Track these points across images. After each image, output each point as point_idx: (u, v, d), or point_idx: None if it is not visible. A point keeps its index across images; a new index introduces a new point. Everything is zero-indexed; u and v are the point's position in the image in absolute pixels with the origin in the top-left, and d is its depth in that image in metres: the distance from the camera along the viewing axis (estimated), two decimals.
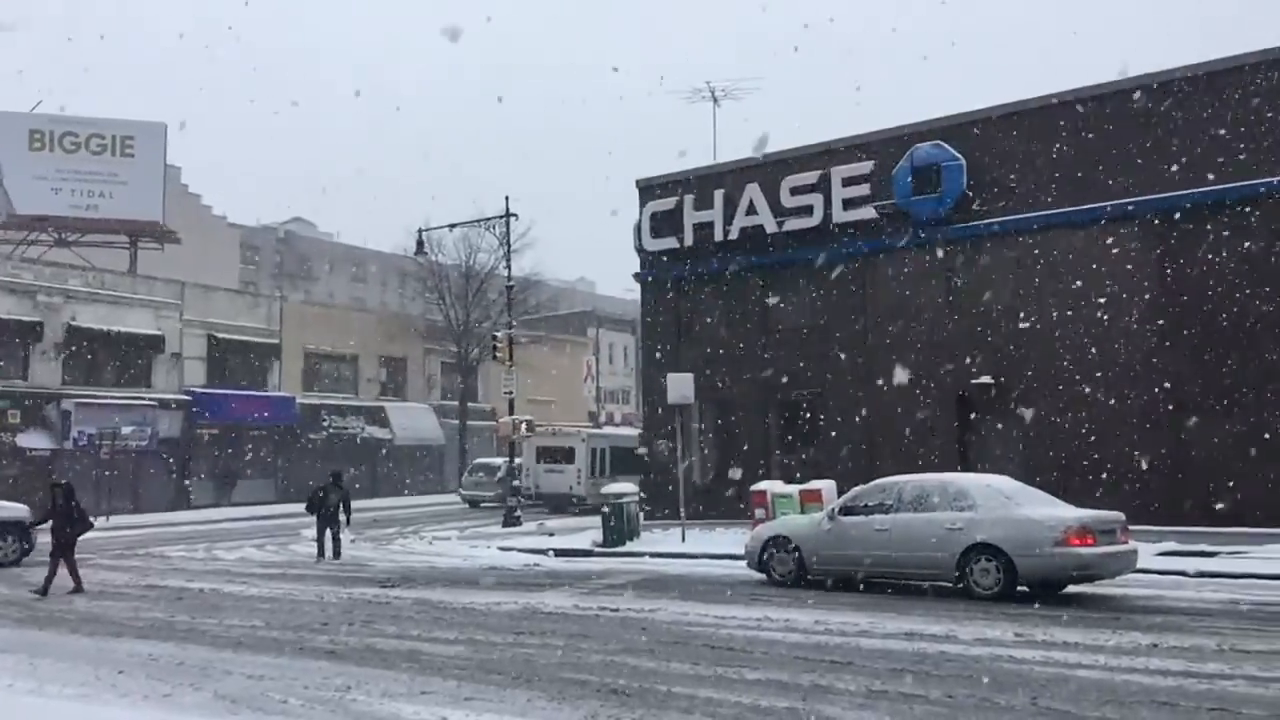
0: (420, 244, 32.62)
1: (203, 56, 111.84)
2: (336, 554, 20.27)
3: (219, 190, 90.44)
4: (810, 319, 25.50)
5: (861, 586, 13.92)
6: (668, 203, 27.54)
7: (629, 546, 20.25)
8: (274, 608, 13.26)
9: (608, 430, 44.39)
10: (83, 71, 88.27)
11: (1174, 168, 20.60)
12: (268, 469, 43.20)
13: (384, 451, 46.80)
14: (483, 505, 36.24)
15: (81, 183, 42.85)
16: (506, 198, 30.19)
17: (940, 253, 23.47)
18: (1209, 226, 20.32)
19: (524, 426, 29.51)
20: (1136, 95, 21.20)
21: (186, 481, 39.56)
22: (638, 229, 28.20)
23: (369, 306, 67.13)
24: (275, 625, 11.64)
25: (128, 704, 7.82)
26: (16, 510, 20.25)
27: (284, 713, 7.48)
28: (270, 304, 45.82)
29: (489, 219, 32.77)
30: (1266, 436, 19.27)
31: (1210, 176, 20.17)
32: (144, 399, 38.02)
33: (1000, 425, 22.75)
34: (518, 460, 37.61)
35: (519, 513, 27.82)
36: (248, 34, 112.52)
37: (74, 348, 36.96)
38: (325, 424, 44.73)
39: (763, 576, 14.92)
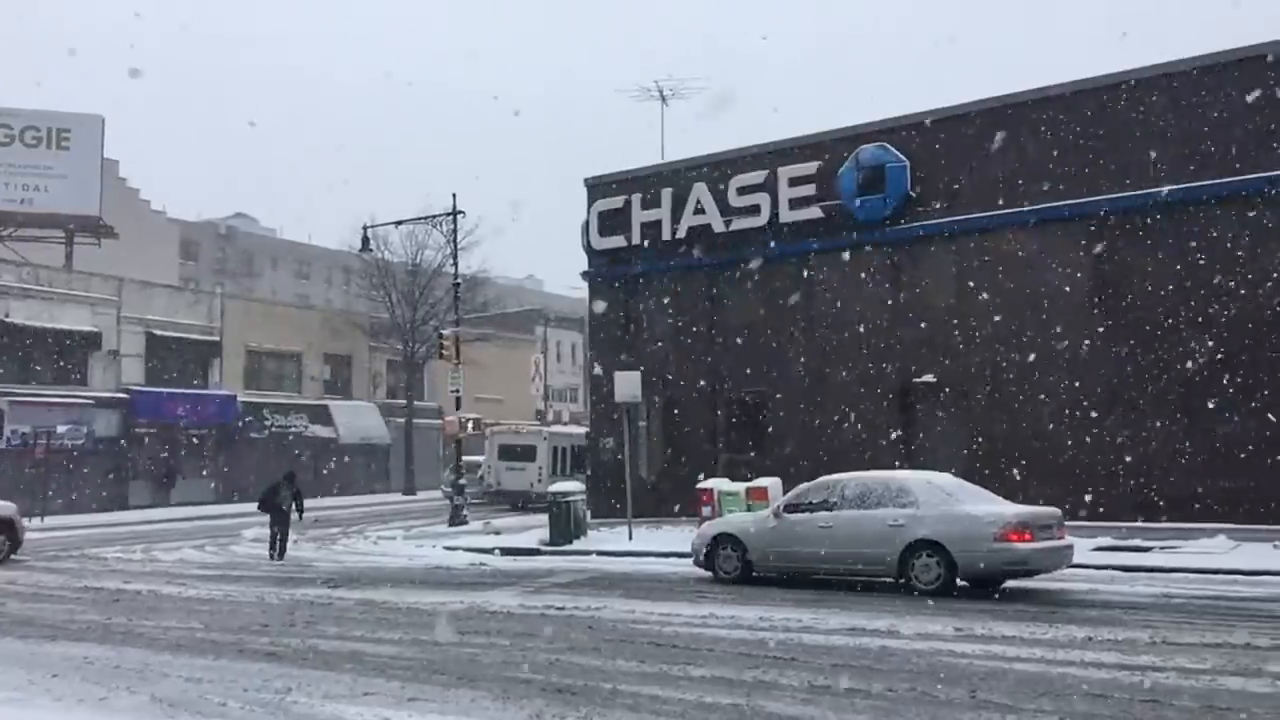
0: (365, 241, 32.27)
1: (141, 47, 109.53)
2: (280, 554, 20.05)
3: (159, 185, 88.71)
4: (757, 317, 25.66)
5: (807, 583, 14.04)
6: (616, 201, 27.56)
7: (575, 545, 20.21)
8: (213, 609, 13.05)
9: (570, 429, 44.43)
10: (18, 62, 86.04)
11: (1113, 170, 21.06)
12: (208, 468, 42.49)
13: (328, 450, 46.25)
14: (457, 500, 36.40)
15: (15, 175, 41.82)
16: (454, 194, 30.07)
17: (884, 252, 23.76)
18: (1144, 229, 20.81)
19: (470, 425, 29.36)
20: (1077, 99, 21.67)
21: (124, 481, 38.75)
22: (585, 228, 28.18)
23: (313, 304, 66.26)
24: (214, 627, 11.45)
25: (62, 708, 7.65)
26: (4, 508, 20.05)
27: (223, 715, 7.37)
28: (211, 300, 45.07)
29: (436, 216, 32.51)
30: (1197, 434, 19.80)
31: (1147, 179, 20.66)
32: (80, 397, 37.20)
33: (942, 422, 23.10)
34: (479, 458, 37.96)
35: (465, 512, 27.67)
36: (186, 25, 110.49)
37: (8, 345, 36.01)
38: (267, 423, 44.09)
39: (709, 574, 14.98)
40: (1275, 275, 19.43)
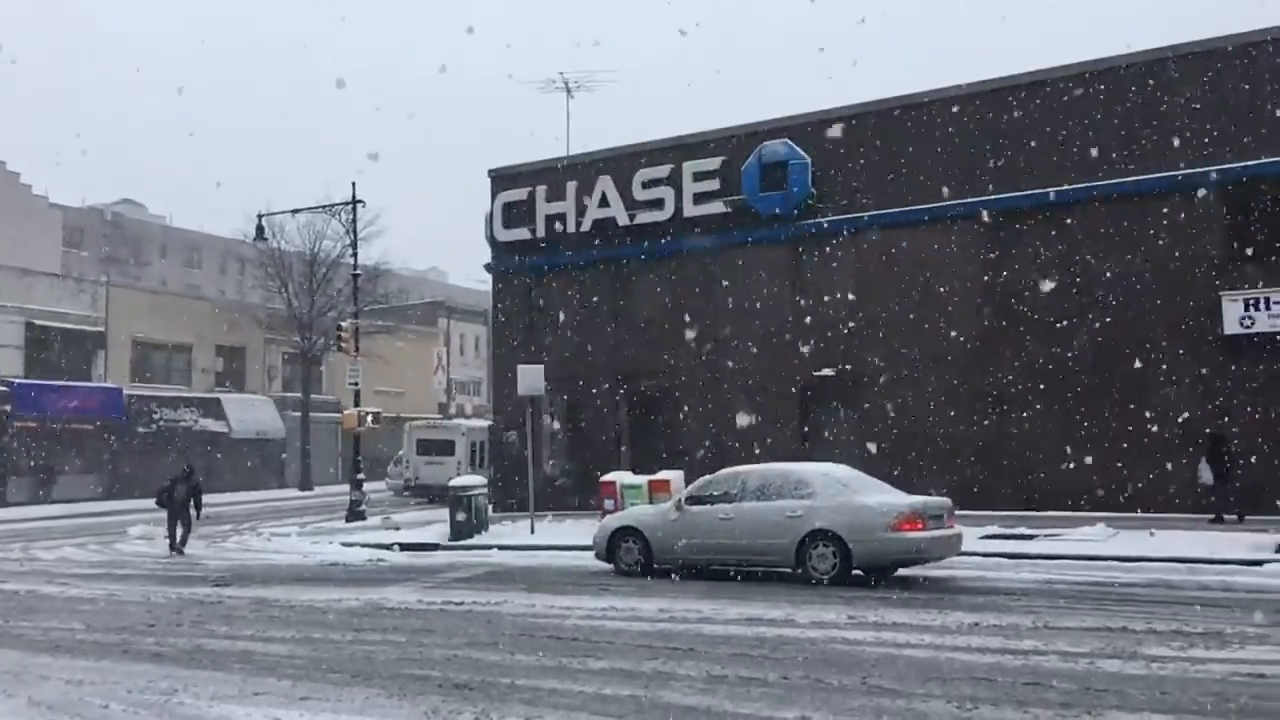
0: (260, 229, 31.35)
1: (21, 21, 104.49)
2: (177, 548, 19.82)
3: (41, 169, 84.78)
4: (660, 311, 25.81)
5: (708, 574, 14.17)
6: (520, 193, 27.38)
7: (477, 540, 20.01)
8: (96, 609, 12.57)
9: (487, 423, 44.20)
10: None
11: (1005, 171, 21.79)
12: (92, 464, 40.85)
13: (220, 445, 44.92)
14: (404, 493, 37.32)
15: None
16: (353, 184, 29.60)
17: (786, 248, 24.12)
18: (1032, 229, 21.58)
19: (370, 419, 28.81)
20: (974, 101, 22.33)
21: (2, 477, 36.97)
22: (489, 219, 27.94)
23: (205, 294, 64.21)
24: (97, 628, 11.03)
25: None
26: None
27: (104, 719, 7.10)
28: (95, 290, 43.28)
29: (334, 205, 31.78)
30: (1079, 427, 20.63)
31: (1037, 180, 21.41)
32: None
33: (841, 415, 23.58)
34: (401, 452, 38.02)
35: (363, 507, 27.14)
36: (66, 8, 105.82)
37: None
38: (155, 416, 42.61)
39: (611, 567, 15.00)
40: (1156, 275, 20.33)
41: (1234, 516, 17.84)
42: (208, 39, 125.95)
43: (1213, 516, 17.92)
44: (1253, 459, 18.85)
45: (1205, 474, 18.16)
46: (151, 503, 21.95)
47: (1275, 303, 19.22)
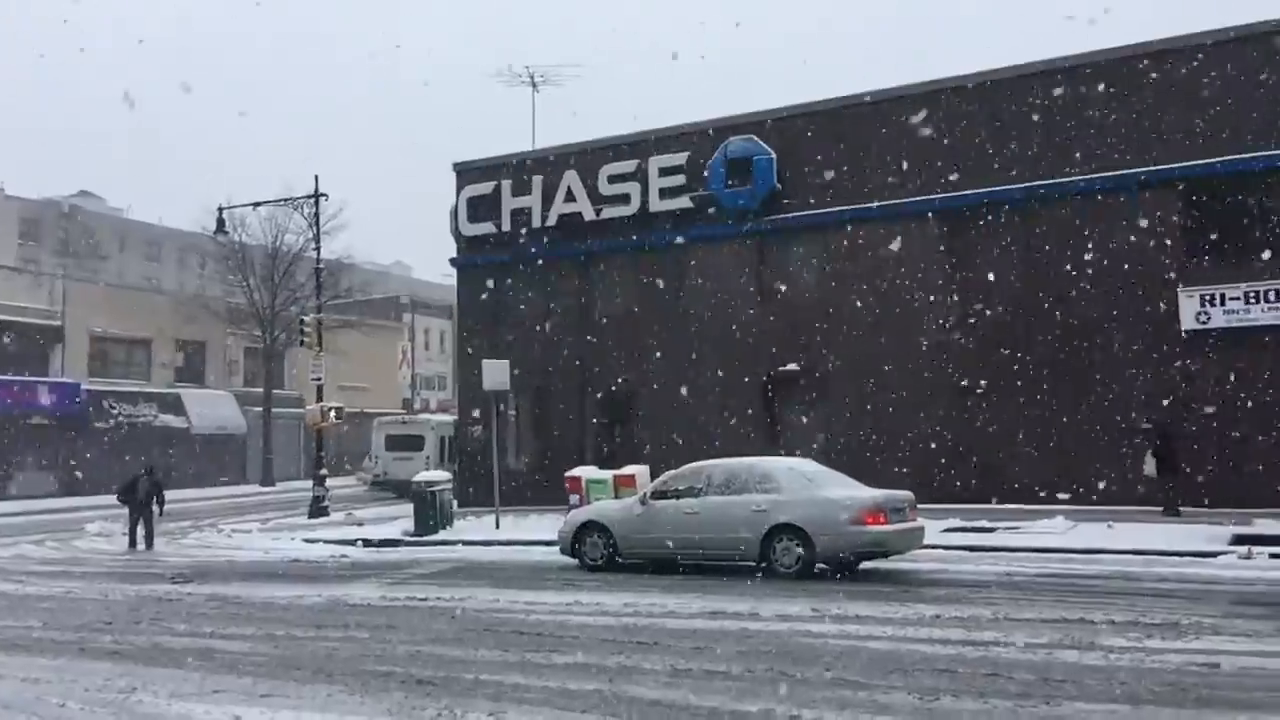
0: (221, 222, 30.95)
1: None
2: (144, 544, 19.74)
3: None
4: (626, 306, 25.81)
5: (673, 569, 14.19)
6: (485, 188, 27.26)
7: (441, 535, 19.91)
8: (53, 607, 12.37)
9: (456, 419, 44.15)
10: None
11: (965, 168, 21.98)
12: (49, 461, 40.20)
13: (180, 440, 44.36)
14: (374, 488, 37.62)
15: None
16: (316, 176, 29.11)
17: (751, 243, 24.20)
18: (990, 225, 21.81)
19: (334, 414, 28.54)
20: (936, 98, 22.50)
21: None
22: (454, 213, 27.79)
23: (164, 288, 63.33)
24: (54, 626, 10.86)
25: None
26: None
27: (61, 718, 6.99)
28: (52, 283, 42.59)
29: (297, 198, 31.47)
30: (1038, 421, 20.88)
31: (995, 178, 21.63)
32: None
33: (806, 410, 23.71)
34: (371, 450, 38.01)
35: (326, 503, 26.89)
36: None
37: None
38: (114, 412, 41.99)
39: (576, 562, 14.99)
40: (1116, 272, 20.60)
41: (1171, 508, 18.10)
42: (166, 29, 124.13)
43: (1163, 509, 18.20)
44: (1231, 452, 19.20)
45: (1149, 466, 18.56)
46: (110, 499, 21.78)
47: (1231, 299, 19.57)
